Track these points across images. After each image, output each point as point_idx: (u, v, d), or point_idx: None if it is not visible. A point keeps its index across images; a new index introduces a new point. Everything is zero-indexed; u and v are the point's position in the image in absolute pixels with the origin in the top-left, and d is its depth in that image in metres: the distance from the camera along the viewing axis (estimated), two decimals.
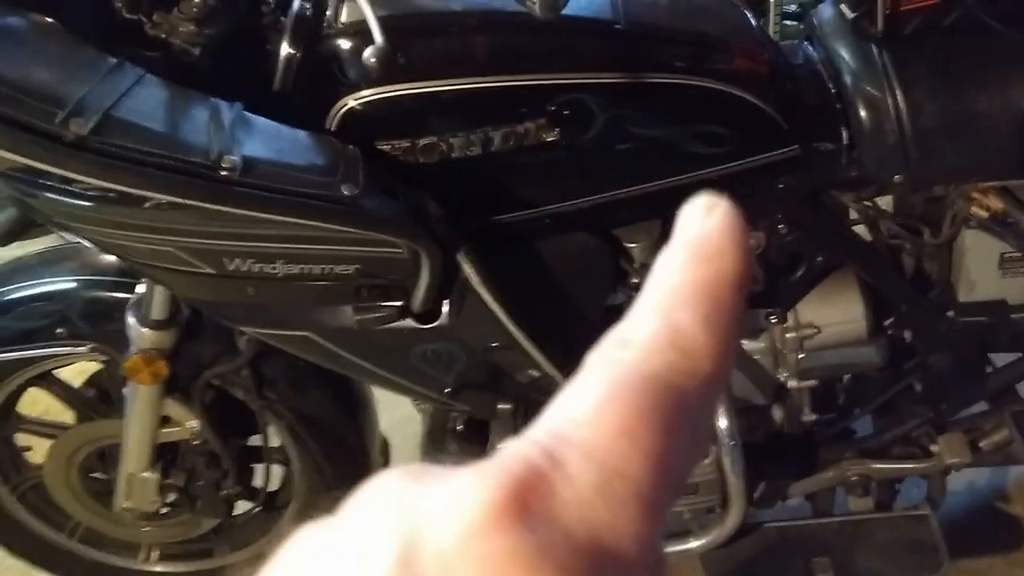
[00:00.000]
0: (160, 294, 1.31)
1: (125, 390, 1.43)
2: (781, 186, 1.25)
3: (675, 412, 0.19)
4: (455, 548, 0.17)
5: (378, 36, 1.01)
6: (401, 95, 1.10)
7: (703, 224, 0.22)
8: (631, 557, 0.18)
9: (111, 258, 1.39)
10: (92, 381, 1.55)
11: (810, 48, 1.29)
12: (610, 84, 1.13)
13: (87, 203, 1.00)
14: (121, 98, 0.92)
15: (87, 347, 1.41)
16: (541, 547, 0.17)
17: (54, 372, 1.51)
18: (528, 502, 0.18)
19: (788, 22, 2.09)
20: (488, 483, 0.18)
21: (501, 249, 1.19)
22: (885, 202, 1.31)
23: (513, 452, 0.19)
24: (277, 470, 1.58)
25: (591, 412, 0.19)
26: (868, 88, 1.21)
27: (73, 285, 1.43)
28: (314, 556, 0.20)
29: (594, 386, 0.19)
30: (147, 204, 0.99)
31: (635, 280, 1.27)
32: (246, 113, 1.02)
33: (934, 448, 1.41)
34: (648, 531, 0.18)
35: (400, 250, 1.10)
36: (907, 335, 1.41)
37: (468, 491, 0.18)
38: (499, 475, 0.18)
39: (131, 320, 1.34)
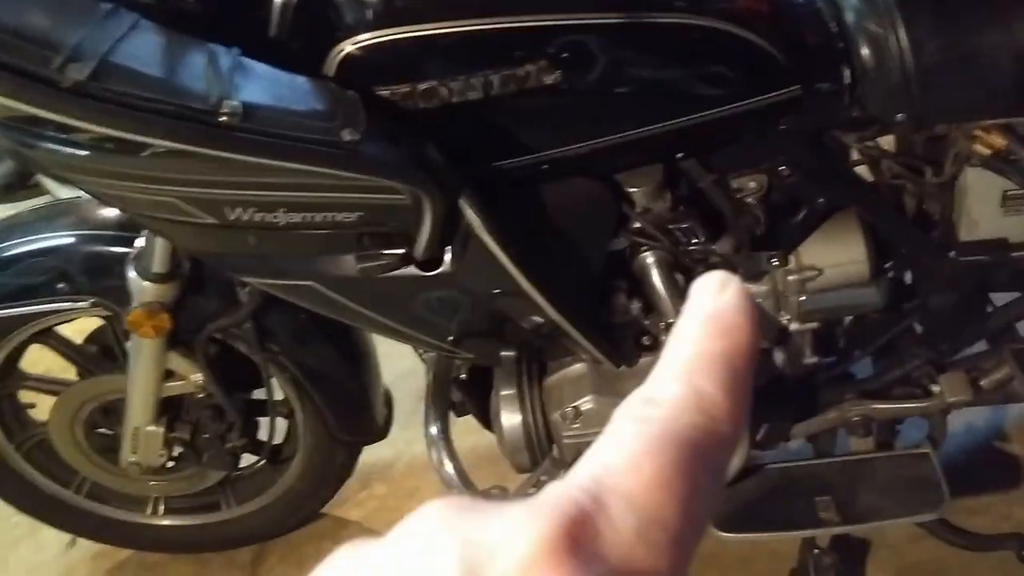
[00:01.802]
0: (161, 247, 1.31)
1: (128, 344, 1.43)
2: (783, 127, 1.24)
3: (701, 467, 0.22)
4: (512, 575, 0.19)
5: None
6: (399, 39, 1.09)
7: (719, 299, 0.24)
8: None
9: (110, 212, 1.39)
10: (94, 337, 1.55)
11: None
12: (611, 25, 1.12)
13: (85, 152, 0.99)
14: (117, 43, 0.91)
15: (88, 302, 1.41)
16: None
17: (55, 329, 1.51)
18: (579, 539, 0.20)
19: None
20: (542, 519, 0.20)
21: (503, 195, 1.18)
22: (887, 142, 1.31)
23: (561, 492, 0.21)
24: (282, 423, 1.59)
25: (629, 463, 0.21)
26: (870, 26, 1.20)
27: (72, 240, 1.42)
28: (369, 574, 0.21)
29: (629, 440, 0.22)
30: (146, 152, 0.98)
31: (636, 225, 1.27)
32: (244, 59, 1.01)
33: (935, 388, 1.42)
34: (681, 572, 0.21)
35: (402, 196, 1.10)
36: (908, 276, 1.41)
37: (524, 525, 0.20)
38: (552, 512, 0.20)
39: (132, 274, 1.34)
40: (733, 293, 0.24)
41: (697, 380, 0.23)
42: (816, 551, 1.50)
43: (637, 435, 0.22)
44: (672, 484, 0.21)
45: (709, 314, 0.24)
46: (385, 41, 1.08)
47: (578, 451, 1.33)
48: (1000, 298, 1.42)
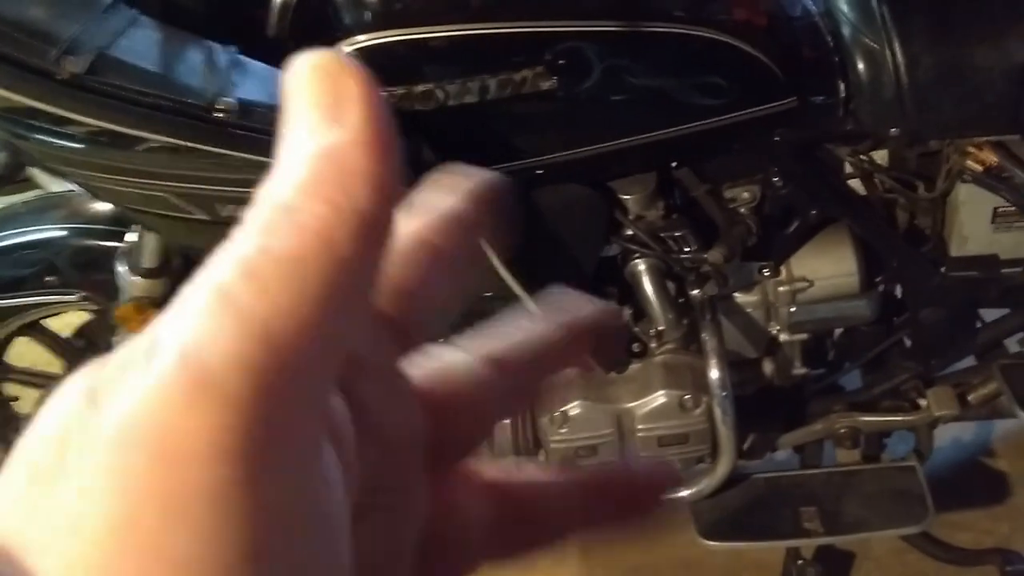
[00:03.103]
0: (152, 242, 1.30)
1: (116, 339, 1.42)
2: (777, 138, 1.24)
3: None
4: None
5: None
6: (397, 41, 1.09)
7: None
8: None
9: (101, 206, 1.38)
10: (82, 331, 1.54)
11: (809, 0, 1.28)
12: (608, 32, 1.12)
13: (79, 145, 0.99)
14: (116, 38, 0.91)
15: (77, 295, 1.41)
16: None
17: (43, 322, 1.50)
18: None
19: None
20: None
21: None
22: (880, 156, 1.31)
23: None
24: None
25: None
26: (866, 41, 1.20)
27: (63, 233, 1.42)
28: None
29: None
30: (140, 147, 0.98)
31: (629, 232, 1.27)
32: (240, 57, 1.01)
33: (922, 402, 1.43)
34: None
35: None
36: (898, 290, 1.42)
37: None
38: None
39: (122, 268, 1.33)
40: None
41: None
42: (800, 561, 1.51)
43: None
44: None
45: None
46: (383, 43, 1.08)
47: (565, 456, 1.34)
48: (989, 314, 1.43)
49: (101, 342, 1.50)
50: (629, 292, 1.31)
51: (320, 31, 1.10)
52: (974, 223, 1.31)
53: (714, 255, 1.30)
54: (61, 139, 0.98)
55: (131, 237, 1.34)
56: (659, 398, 1.31)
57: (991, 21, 1.19)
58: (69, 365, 1.55)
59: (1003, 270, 1.34)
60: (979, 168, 1.25)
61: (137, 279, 1.33)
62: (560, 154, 1.19)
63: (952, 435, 1.73)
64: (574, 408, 1.31)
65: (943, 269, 1.35)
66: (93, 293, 1.40)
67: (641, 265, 1.29)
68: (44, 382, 1.55)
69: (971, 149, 1.25)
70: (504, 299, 1.22)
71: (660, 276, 1.30)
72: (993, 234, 1.31)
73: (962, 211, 1.31)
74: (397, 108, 1.11)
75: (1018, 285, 1.34)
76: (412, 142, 1.11)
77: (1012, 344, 1.42)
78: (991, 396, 1.41)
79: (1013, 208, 1.28)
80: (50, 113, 0.92)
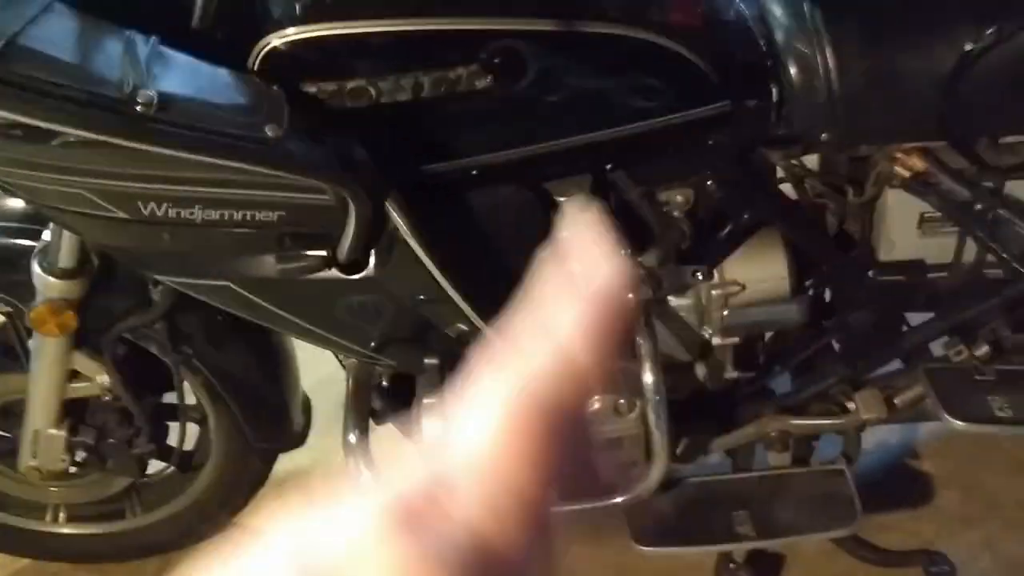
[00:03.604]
0: (68, 241, 1.25)
1: (31, 343, 1.37)
2: (711, 142, 1.25)
3: (558, 429, 0.22)
4: (346, 559, 0.20)
5: None
6: (328, 35, 1.06)
7: (596, 265, 0.24)
8: (513, 546, 0.21)
9: (15, 202, 1.33)
10: None
11: (743, 5, 1.29)
12: (544, 32, 1.11)
13: None
14: (27, 25, 0.87)
15: None
16: (427, 552, 0.20)
17: None
18: (413, 519, 0.20)
19: None
20: (376, 507, 0.20)
21: (430, 199, 1.16)
22: (811, 161, 1.33)
23: (400, 479, 0.21)
24: (193, 428, 1.54)
25: (487, 442, 0.21)
26: (799, 46, 1.21)
27: None
28: None
29: (492, 413, 0.22)
30: (56, 141, 0.93)
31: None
32: (163, 48, 0.97)
33: (851, 405, 1.44)
34: (527, 522, 0.21)
35: (326, 197, 1.07)
36: (828, 294, 1.43)
37: (356, 515, 0.20)
38: (386, 502, 0.21)
39: (37, 269, 1.28)
40: (610, 258, 0.24)
41: (569, 344, 0.22)
42: (732, 565, 1.52)
43: (502, 411, 0.22)
44: (528, 455, 0.21)
45: (586, 278, 0.23)
46: (313, 37, 1.06)
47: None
48: (915, 318, 1.45)
49: (16, 345, 1.44)
50: None
51: (247, 22, 1.06)
52: (901, 228, 1.33)
53: (648, 258, 1.29)
54: None
55: (47, 235, 1.28)
56: (593, 402, 1.30)
57: (920, 29, 1.21)
58: None
59: (929, 275, 1.36)
60: (907, 174, 1.27)
61: (53, 280, 1.27)
62: (495, 154, 1.17)
63: (879, 438, 1.76)
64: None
65: (871, 273, 1.37)
66: (6, 294, 1.34)
67: None
68: None
69: (899, 155, 1.27)
70: (438, 301, 1.20)
71: None
72: (920, 239, 1.33)
73: (890, 216, 1.33)
74: (328, 104, 1.08)
75: (943, 290, 1.37)
76: (344, 140, 1.08)
77: (937, 348, 1.45)
78: (917, 399, 1.43)
79: (939, 214, 1.30)
80: None
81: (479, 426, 0.22)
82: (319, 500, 0.21)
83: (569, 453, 0.23)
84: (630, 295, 0.24)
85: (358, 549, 0.20)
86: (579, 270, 0.24)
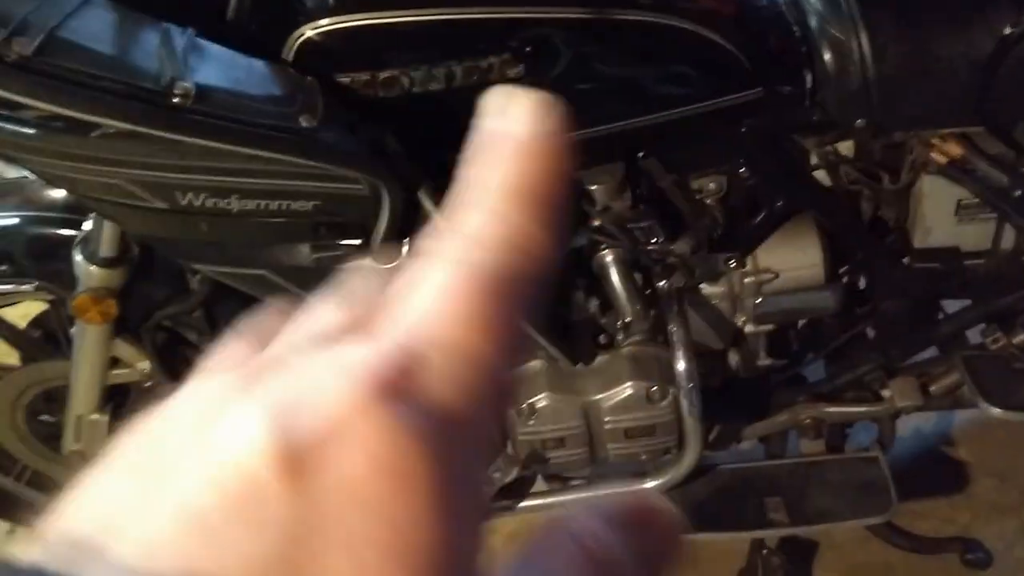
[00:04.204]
0: (109, 230, 1.27)
1: (73, 330, 1.39)
2: (744, 129, 1.24)
3: (515, 303, 0.22)
4: (328, 434, 0.19)
5: None
6: (361, 26, 1.07)
7: (527, 119, 0.23)
8: (481, 423, 0.21)
9: (57, 193, 1.35)
10: (38, 322, 1.51)
11: None
12: (576, 20, 1.11)
13: (32, 131, 0.96)
14: (67, 18, 0.88)
15: (32, 285, 1.37)
16: (409, 429, 0.19)
17: None
18: (393, 395, 0.20)
19: None
20: (354, 379, 0.20)
21: None
22: (846, 147, 1.31)
23: (373, 350, 0.21)
24: None
25: (443, 310, 0.21)
26: (833, 32, 1.20)
27: (17, 221, 1.38)
28: (161, 448, 0.20)
29: (442, 285, 0.22)
30: (95, 133, 0.95)
31: (596, 222, 1.26)
32: (199, 40, 0.98)
33: (885, 392, 1.43)
34: (491, 395, 0.22)
35: (360, 186, 1.08)
36: (862, 281, 1.42)
37: (331, 385, 0.20)
38: (364, 372, 0.20)
39: (78, 258, 1.30)
40: (543, 110, 0.23)
41: (508, 212, 0.22)
42: (765, 551, 1.52)
43: (451, 279, 0.22)
44: (487, 326, 0.21)
45: (516, 135, 0.23)
46: (347, 27, 1.06)
47: (532, 448, 1.33)
48: (951, 305, 1.44)
49: (58, 332, 1.47)
50: (596, 283, 1.30)
51: (282, 14, 1.07)
52: (938, 215, 1.32)
53: (680, 246, 1.29)
54: (12, 124, 0.94)
55: (88, 225, 1.31)
56: (626, 390, 1.30)
57: (955, 14, 1.20)
58: (25, 356, 1.51)
59: (966, 262, 1.34)
60: (943, 160, 1.26)
61: (94, 269, 1.29)
62: None
63: (914, 425, 1.75)
64: (541, 400, 1.30)
65: (906, 260, 1.35)
66: (49, 283, 1.37)
67: (608, 256, 1.28)
68: (1, 374, 1.51)
69: (935, 141, 1.26)
70: None
71: (627, 267, 1.29)
72: (956, 226, 1.32)
73: (926, 203, 1.31)
74: (361, 94, 1.09)
75: (980, 277, 1.35)
76: (377, 129, 1.09)
77: (974, 335, 1.43)
78: (953, 387, 1.42)
79: (976, 200, 1.29)
80: (0, 97, 0.89)
81: (430, 296, 0.22)
82: (276, 363, 0.21)
83: (522, 322, 0.23)
84: (557, 142, 0.23)
85: (336, 420, 0.19)
86: (502, 131, 0.23)
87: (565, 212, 0.23)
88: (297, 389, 0.20)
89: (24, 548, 0.18)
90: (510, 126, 0.23)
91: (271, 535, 0.18)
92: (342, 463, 0.19)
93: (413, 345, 0.21)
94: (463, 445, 0.21)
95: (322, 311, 0.24)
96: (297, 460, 0.19)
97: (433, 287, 0.21)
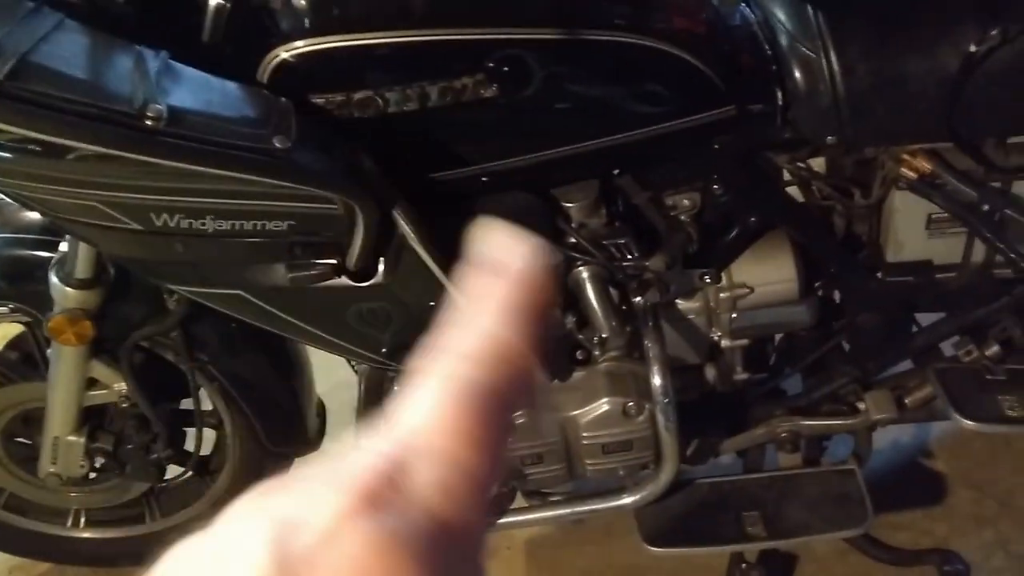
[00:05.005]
0: (84, 252, 1.27)
1: (49, 352, 1.39)
2: (716, 146, 1.25)
3: (500, 411, 0.24)
4: (319, 545, 0.21)
5: None
6: (335, 47, 1.07)
7: (519, 256, 0.27)
8: (468, 528, 0.23)
9: (32, 215, 1.35)
10: (14, 343, 1.51)
11: (747, 9, 1.30)
12: (549, 40, 1.12)
13: (6, 155, 0.96)
14: (39, 43, 0.88)
15: (8, 307, 1.37)
16: (393, 535, 0.21)
17: None
18: (376, 503, 0.22)
19: None
20: (341, 489, 0.22)
21: (438, 207, 1.17)
22: (817, 163, 1.33)
23: (359, 460, 0.23)
24: (210, 433, 1.56)
25: (434, 422, 0.23)
26: (803, 50, 1.22)
27: None
28: (192, 565, 0.23)
29: (434, 398, 0.24)
30: (70, 155, 0.95)
31: (571, 239, 1.27)
32: (173, 62, 0.99)
33: (861, 405, 1.45)
34: (479, 505, 0.23)
35: (335, 206, 1.08)
36: (836, 295, 1.44)
37: (325, 497, 0.22)
38: (349, 481, 0.22)
39: (54, 279, 1.30)
40: (530, 251, 0.26)
41: (495, 329, 0.25)
42: (744, 565, 1.52)
43: (441, 393, 0.24)
44: (473, 436, 0.23)
45: (511, 270, 0.26)
46: (320, 49, 1.07)
47: (510, 464, 1.33)
48: (925, 318, 1.45)
49: (35, 354, 1.46)
50: (572, 300, 1.31)
51: (256, 36, 1.08)
52: (909, 229, 1.33)
53: (656, 262, 1.30)
54: None
55: (64, 247, 1.31)
56: (603, 405, 1.31)
57: (923, 32, 1.21)
58: (1, 378, 1.50)
59: (937, 275, 1.36)
60: (913, 175, 1.27)
61: (70, 290, 1.30)
62: (502, 162, 1.18)
63: (892, 437, 1.76)
64: (518, 416, 1.30)
65: (879, 275, 1.37)
66: (24, 304, 1.37)
67: (584, 273, 1.29)
68: None
69: (906, 156, 1.27)
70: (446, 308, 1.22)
71: (603, 284, 1.30)
72: (928, 240, 1.34)
73: (897, 218, 1.33)
74: (336, 115, 1.09)
75: (952, 290, 1.37)
76: (351, 150, 1.10)
77: (947, 348, 1.45)
78: (927, 399, 1.43)
79: (946, 215, 1.31)
80: None
81: (422, 409, 0.23)
82: (288, 482, 0.23)
83: (508, 432, 0.25)
84: (544, 273, 0.26)
85: (326, 531, 0.21)
86: (496, 261, 0.26)
87: (545, 330, 0.26)
88: (297, 503, 0.22)
89: None
90: (501, 257, 0.26)
91: None
92: (330, 570, 0.21)
93: (401, 455, 0.22)
94: (449, 548, 0.22)
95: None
96: (292, 571, 0.21)
97: (425, 401, 0.24)
